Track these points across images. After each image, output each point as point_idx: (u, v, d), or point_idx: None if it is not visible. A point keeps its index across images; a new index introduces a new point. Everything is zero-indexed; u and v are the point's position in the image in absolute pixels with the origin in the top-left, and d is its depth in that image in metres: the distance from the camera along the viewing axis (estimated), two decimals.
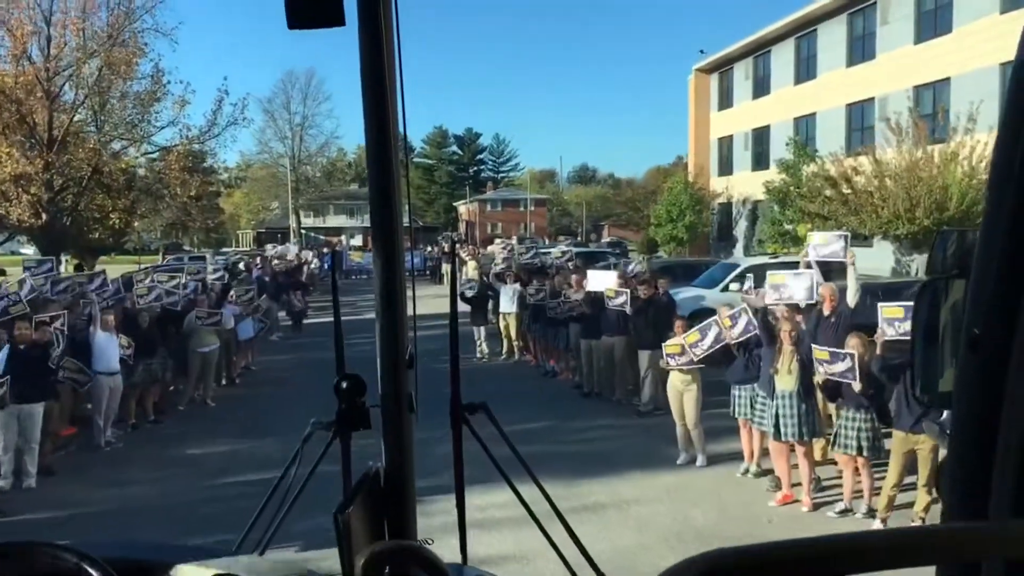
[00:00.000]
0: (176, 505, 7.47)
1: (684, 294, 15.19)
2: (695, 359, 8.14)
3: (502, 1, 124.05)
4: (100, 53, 22.72)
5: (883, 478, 6.64)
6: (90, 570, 1.43)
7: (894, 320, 6.68)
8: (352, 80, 1.64)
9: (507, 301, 14.81)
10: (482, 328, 15.35)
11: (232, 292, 13.78)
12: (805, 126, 27.96)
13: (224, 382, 13.04)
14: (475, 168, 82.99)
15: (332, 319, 1.93)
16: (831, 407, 7.64)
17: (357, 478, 1.67)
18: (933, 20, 22.34)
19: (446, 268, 28.31)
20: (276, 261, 22.04)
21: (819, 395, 7.28)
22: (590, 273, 12.32)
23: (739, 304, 8.30)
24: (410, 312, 1.76)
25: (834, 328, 7.41)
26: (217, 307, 12.32)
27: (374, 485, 1.69)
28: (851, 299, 7.44)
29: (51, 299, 10.35)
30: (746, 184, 30.89)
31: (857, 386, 6.41)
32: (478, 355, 15.06)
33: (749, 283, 8.73)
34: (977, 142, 17.84)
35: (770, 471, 7.59)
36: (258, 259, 22.30)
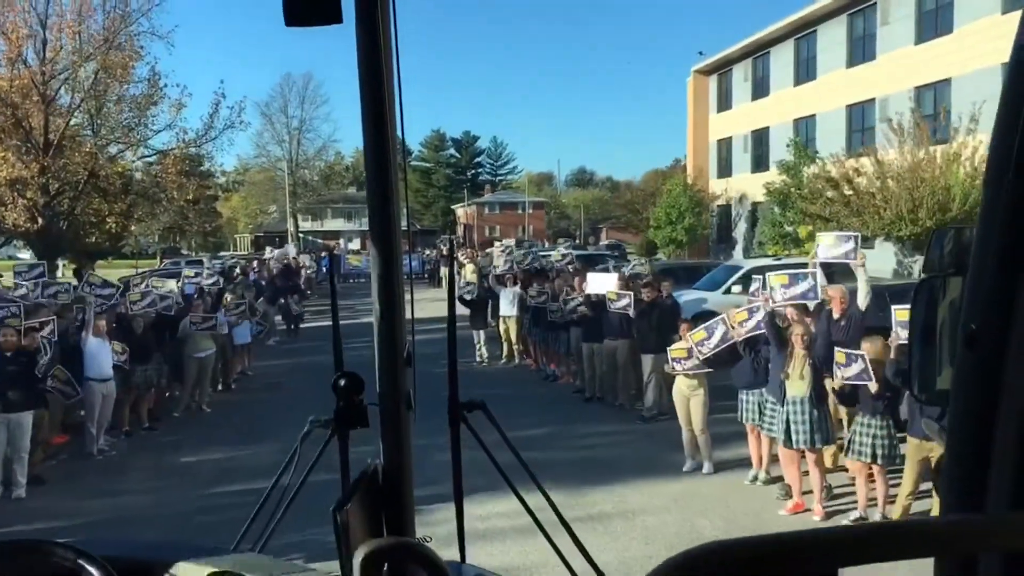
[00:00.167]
0: (171, 515, 7.31)
1: (686, 297, 14.98)
2: (701, 357, 7.96)
3: (499, 4, 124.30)
4: (96, 56, 22.58)
5: (898, 485, 6.46)
6: (89, 568, 1.44)
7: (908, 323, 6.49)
8: (350, 83, 1.53)
9: (507, 304, 14.64)
10: (482, 332, 15.19)
11: (228, 296, 13.60)
12: (805, 127, 27.85)
13: (220, 387, 12.87)
14: (473, 171, 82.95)
15: (329, 323, 1.95)
16: (842, 411, 7.47)
17: (355, 475, 1.67)
18: (934, 20, 22.26)
19: (445, 271, 28.17)
20: (275, 263, 21.86)
21: (830, 399, 7.11)
22: (589, 276, 12.14)
23: (745, 306, 8.13)
24: (408, 312, 1.76)
25: (844, 331, 7.23)
26: (213, 311, 12.15)
27: (372, 482, 1.69)
28: (862, 302, 7.25)
29: (41, 304, 10.16)
30: (745, 186, 30.78)
31: (874, 386, 6.22)
32: (478, 359, 14.89)
33: (756, 285, 8.53)
34: (980, 142, 17.72)
35: (779, 478, 7.41)
36: (255, 263, 22.14)
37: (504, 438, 1.85)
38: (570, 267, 16.17)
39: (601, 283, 11.45)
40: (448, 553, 1.67)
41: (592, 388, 11.59)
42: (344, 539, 1.43)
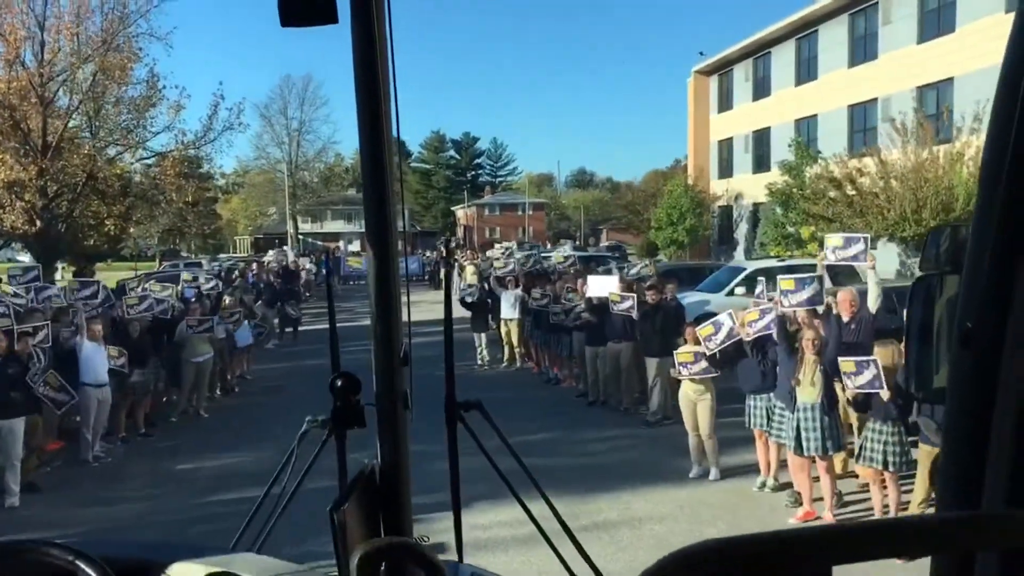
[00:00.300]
0: (168, 522, 7.20)
1: (688, 299, 14.83)
2: (708, 352, 7.81)
3: (499, 4, 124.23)
4: (94, 58, 22.46)
5: (911, 490, 6.32)
6: (87, 568, 1.44)
7: None
8: (350, 84, 1.66)
9: (508, 307, 14.48)
10: (483, 335, 15.03)
11: (226, 299, 13.46)
12: (806, 127, 27.73)
13: (219, 392, 12.72)
14: (473, 172, 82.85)
15: (327, 326, 1.94)
16: (852, 416, 7.31)
17: (352, 475, 1.67)
18: (936, 19, 22.15)
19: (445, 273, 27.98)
20: (274, 265, 21.69)
21: (840, 405, 6.95)
22: (591, 279, 11.98)
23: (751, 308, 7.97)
24: (405, 313, 1.77)
25: (855, 335, 7.08)
26: (211, 315, 12.00)
27: (369, 482, 1.70)
28: (872, 304, 7.10)
29: (36, 309, 10.01)
30: (747, 186, 30.64)
31: (886, 393, 6.07)
32: (479, 362, 14.74)
33: (761, 287, 8.39)
34: (983, 142, 17.57)
35: (788, 485, 7.25)
36: (254, 265, 21.99)
37: (502, 438, 1.84)
38: (572, 269, 16.02)
39: (602, 286, 11.30)
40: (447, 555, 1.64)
41: (595, 392, 11.44)
42: (341, 539, 1.43)
